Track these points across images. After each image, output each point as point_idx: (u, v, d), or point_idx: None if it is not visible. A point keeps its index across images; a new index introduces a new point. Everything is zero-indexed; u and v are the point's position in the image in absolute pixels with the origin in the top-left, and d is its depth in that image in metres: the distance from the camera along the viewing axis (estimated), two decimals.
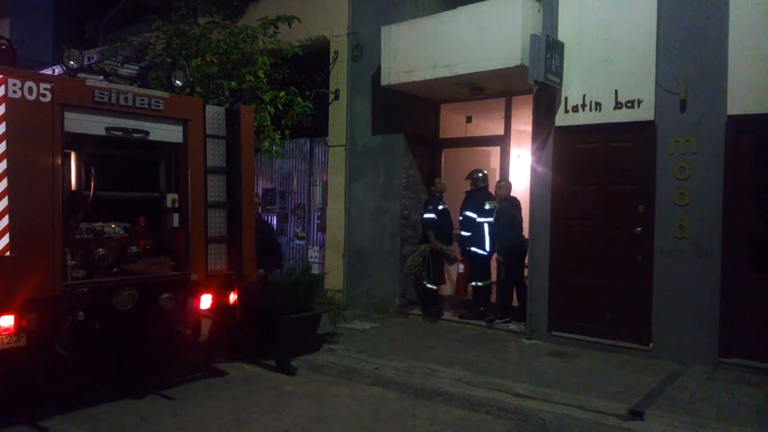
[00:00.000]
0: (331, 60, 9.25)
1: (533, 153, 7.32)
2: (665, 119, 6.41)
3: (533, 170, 7.32)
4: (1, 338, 4.31)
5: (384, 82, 8.11)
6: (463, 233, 8.05)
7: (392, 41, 7.99)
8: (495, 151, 8.98)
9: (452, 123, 9.28)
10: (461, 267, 8.57)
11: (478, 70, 7.21)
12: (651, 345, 6.45)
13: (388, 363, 6.28)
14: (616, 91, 6.66)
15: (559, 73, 6.93)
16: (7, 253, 4.25)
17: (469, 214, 7.98)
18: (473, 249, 7.96)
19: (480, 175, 8.14)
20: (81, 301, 4.69)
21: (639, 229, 6.58)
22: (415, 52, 7.74)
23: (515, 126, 8.58)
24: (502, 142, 8.56)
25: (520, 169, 9.48)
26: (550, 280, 7.13)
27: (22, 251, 4.32)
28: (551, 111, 7.12)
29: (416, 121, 8.90)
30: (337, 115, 9.21)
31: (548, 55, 6.69)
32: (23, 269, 4.32)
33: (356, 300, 8.88)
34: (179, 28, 7.96)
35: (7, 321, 4.28)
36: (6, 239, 4.25)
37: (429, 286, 8.19)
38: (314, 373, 6.01)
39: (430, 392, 5.47)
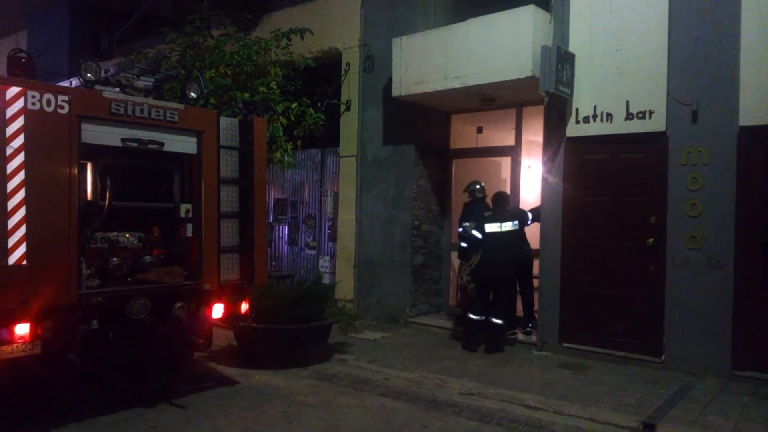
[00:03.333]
0: (342, 71, 9.32)
1: (544, 163, 7.33)
2: (677, 130, 6.40)
3: (544, 181, 7.33)
4: (18, 346, 4.36)
5: (395, 93, 8.17)
6: (463, 244, 7.99)
7: (403, 53, 8.05)
8: (506, 162, 8.99)
9: (463, 133, 9.30)
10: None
11: (489, 81, 7.24)
12: (663, 357, 6.41)
13: (399, 373, 6.28)
14: (627, 102, 6.67)
15: (570, 84, 6.95)
16: (24, 262, 4.32)
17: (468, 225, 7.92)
18: None
19: (478, 186, 8.05)
20: (95, 309, 4.75)
21: (651, 240, 6.56)
22: (426, 63, 7.79)
23: (526, 136, 8.58)
24: (513, 152, 8.57)
25: (531, 179, 9.46)
26: (561, 291, 7.11)
27: (39, 260, 4.38)
28: (562, 122, 7.13)
29: (427, 132, 8.93)
30: (349, 125, 9.27)
31: (559, 66, 6.72)
32: (39, 278, 4.37)
33: (367, 310, 8.90)
34: (193, 40, 8.06)
35: (23, 329, 4.33)
36: (23, 248, 4.31)
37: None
38: (325, 383, 6.02)
39: (441, 403, 5.47)
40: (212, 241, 5.47)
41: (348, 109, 9.26)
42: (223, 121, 5.72)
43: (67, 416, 4.88)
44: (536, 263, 7.78)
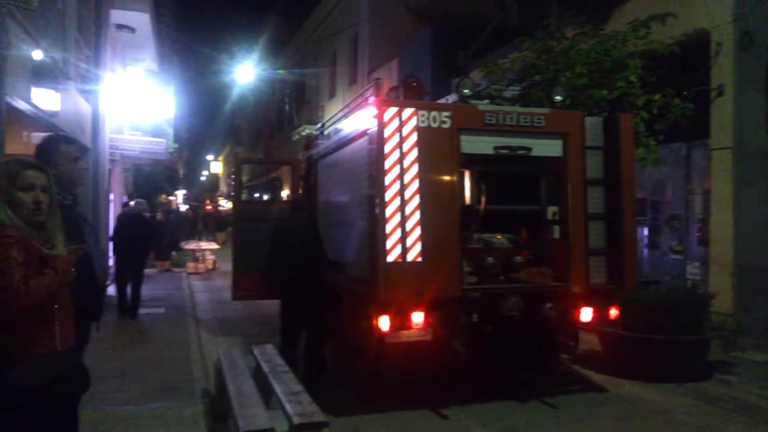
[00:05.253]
0: (712, 53, 8.23)
1: None
2: None
3: None
4: (413, 332, 5.03)
5: None
6: None
7: None
8: None
9: None
10: None
11: None
12: None
13: None
14: None
15: None
16: (419, 260, 4.95)
17: None
18: None
19: None
20: (474, 304, 5.15)
21: None
22: None
23: None
24: None
25: None
26: None
27: (430, 258, 4.98)
28: None
29: None
30: (721, 113, 8.11)
31: None
32: (431, 274, 4.96)
33: (750, 326, 7.59)
34: (547, 45, 8.13)
35: (418, 317, 4.97)
36: (418, 247, 4.96)
37: None
38: (706, 405, 5.37)
39: None
40: (579, 243, 5.43)
41: (720, 94, 8.11)
42: (588, 121, 5.64)
43: (449, 399, 5.38)
44: None
